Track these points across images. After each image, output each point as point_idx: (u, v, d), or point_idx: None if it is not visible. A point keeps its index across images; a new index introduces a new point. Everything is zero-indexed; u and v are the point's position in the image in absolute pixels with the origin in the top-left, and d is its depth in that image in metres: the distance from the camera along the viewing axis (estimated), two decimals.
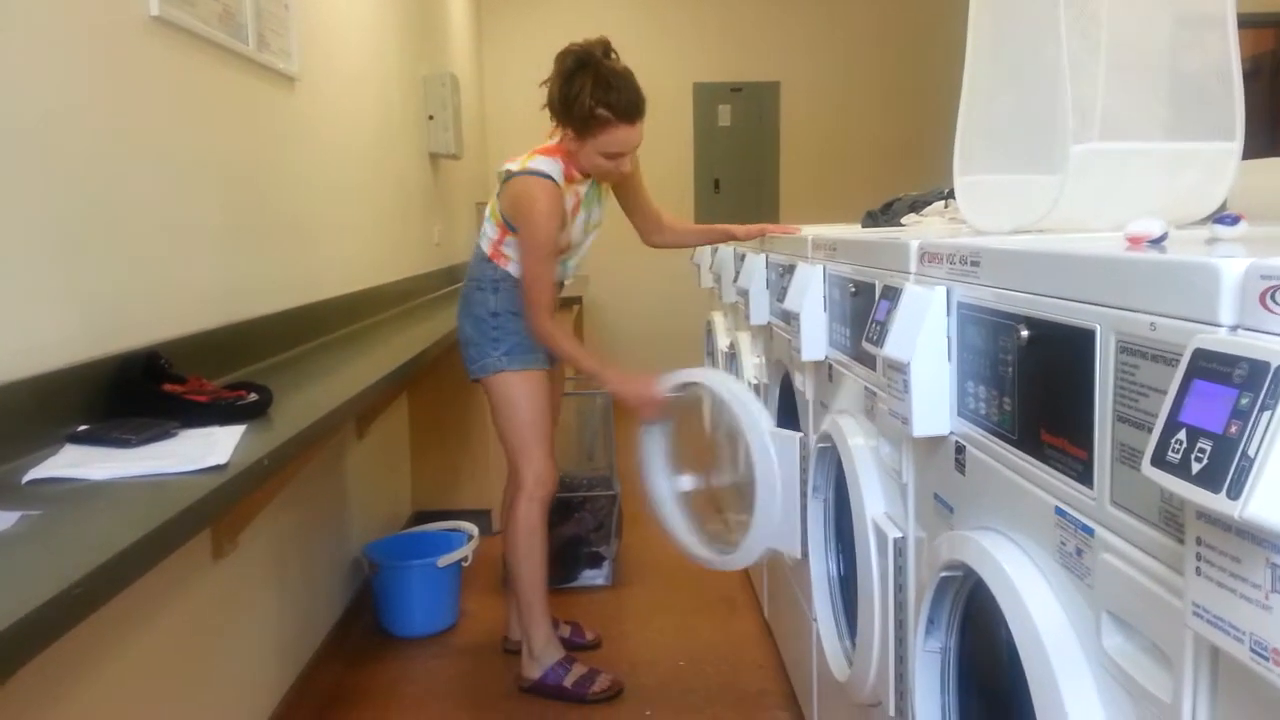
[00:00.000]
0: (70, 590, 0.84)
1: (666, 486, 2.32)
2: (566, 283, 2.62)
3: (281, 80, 2.43)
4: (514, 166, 2.28)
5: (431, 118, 4.24)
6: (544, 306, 2.29)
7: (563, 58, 2.20)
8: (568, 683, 2.39)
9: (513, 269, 2.36)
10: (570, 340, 2.39)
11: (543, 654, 2.41)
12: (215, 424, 1.47)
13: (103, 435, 1.35)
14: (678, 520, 2.30)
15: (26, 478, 1.18)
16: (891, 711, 1.43)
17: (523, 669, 2.44)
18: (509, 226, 2.32)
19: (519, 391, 2.38)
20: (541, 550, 2.41)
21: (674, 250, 2.88)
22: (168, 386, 1.55)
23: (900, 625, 1.39)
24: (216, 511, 1.18)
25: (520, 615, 2.45)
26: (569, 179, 2.29)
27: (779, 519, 2.03)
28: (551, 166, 2.25)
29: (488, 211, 2.42)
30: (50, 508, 1.08)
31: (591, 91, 2.14)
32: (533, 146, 2.32)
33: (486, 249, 2.39)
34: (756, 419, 2.05)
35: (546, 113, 2.26)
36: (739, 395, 2.11)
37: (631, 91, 2.19)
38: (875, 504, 1.48)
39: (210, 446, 1.32)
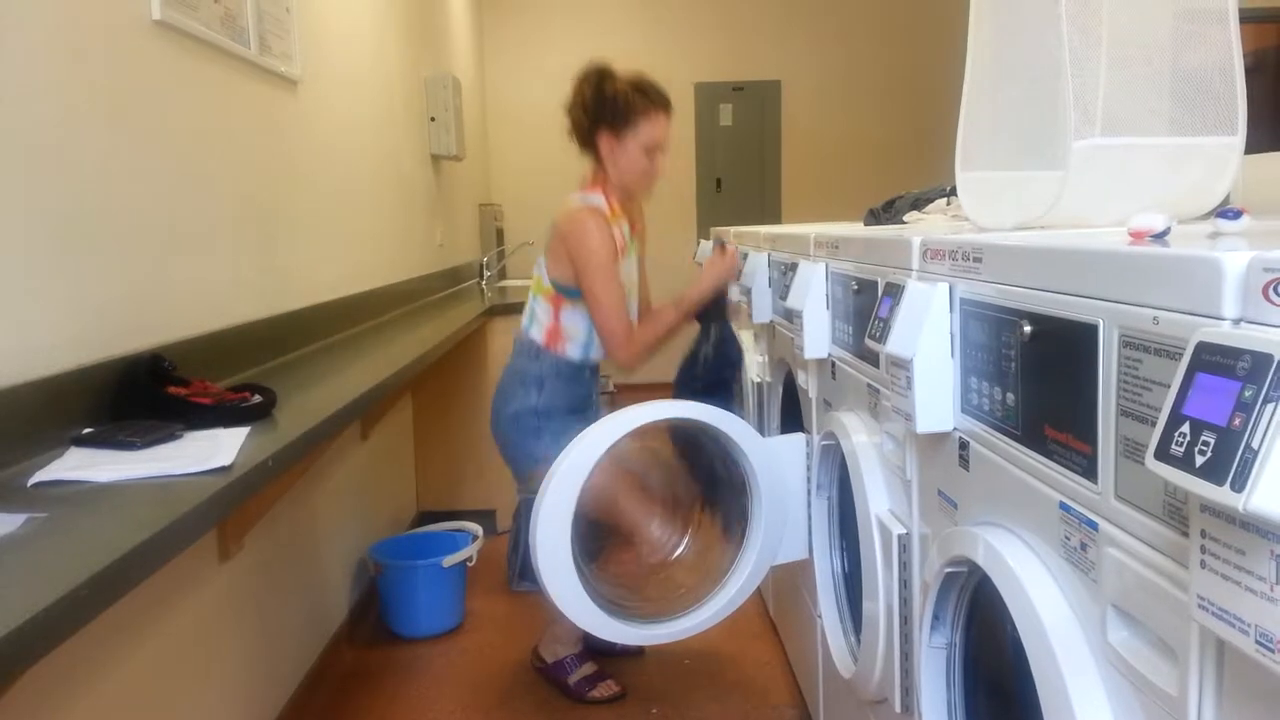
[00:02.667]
0: (76, 592, 0.84)
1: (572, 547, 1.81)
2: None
3: (284, 83, 2.44)
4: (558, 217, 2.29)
5: (433, 119, 4.24)
6: (627, 337, 2.26)
7: (586, 73, 2.30)
8: (571, 680, 2.41)
9: (573, 351, 2.29)
10: (657, 328, 2.34)
11: (564, 641, 2.45)
12: (220, 426, 1.47)
13: (108, 438, 1.36)
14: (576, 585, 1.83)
15: (32, 480, 1.19)
16: (897, 708, 1.43)
17: (541, 647, 2.49)
18: (563, 292, 2.27)
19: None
20: None
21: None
22: (172, 389, 1.56)
23: (905, 621, 1.39)
24: (222, 513, 1.19)
25: None
26: (612, 212, 2.29)
27: (785, 528, 1.99)
28: (595, 198, 2.28)
29: (532, 292, 2.34)
30: (56, 510, 1.08)
31: (627, 86, 2.27)
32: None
33: (540, 338, 2.30)
34: (746, 429, 1.96)
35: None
36: (712, 412, 1.93)
37: (658, 85, 2.34)
38: (879, 501, 1.48)
39: (215, 448, 1.32)
